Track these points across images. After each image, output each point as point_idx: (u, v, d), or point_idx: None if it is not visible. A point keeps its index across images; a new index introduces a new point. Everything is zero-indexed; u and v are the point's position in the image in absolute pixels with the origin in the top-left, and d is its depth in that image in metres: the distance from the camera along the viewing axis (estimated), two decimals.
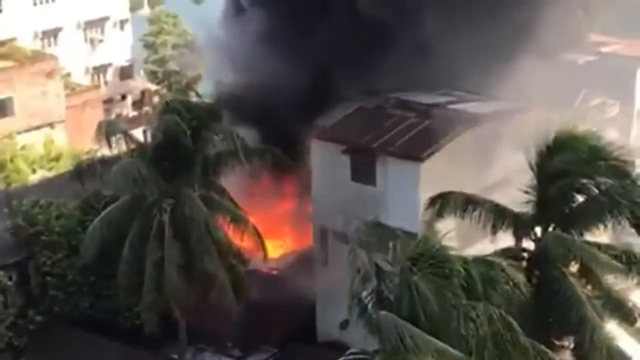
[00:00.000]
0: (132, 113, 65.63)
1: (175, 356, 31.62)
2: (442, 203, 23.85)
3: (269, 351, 34.23)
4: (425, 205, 23.98)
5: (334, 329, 33.64)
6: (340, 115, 33.77)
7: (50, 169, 48.49)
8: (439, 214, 23.75)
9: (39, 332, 34.52)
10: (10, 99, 51.35)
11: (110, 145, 29.09)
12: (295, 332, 34.36)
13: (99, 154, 37.35)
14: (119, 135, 29.19)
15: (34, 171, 48.35)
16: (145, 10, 79.91)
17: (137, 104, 67.76)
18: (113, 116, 60.80)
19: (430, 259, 18.48)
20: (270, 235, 35.09)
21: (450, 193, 24.12)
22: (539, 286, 21.83)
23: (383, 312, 17.78)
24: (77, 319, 34.88)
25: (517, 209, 23.34)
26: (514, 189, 23.36)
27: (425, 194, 30.45)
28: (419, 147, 31.10)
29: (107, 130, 29.22)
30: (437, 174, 30.09)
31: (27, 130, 50.44)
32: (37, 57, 54.07)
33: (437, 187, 25.89)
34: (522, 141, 23.59)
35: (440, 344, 17.35)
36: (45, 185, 41.27)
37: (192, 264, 27.82)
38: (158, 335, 29.33)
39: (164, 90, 66.45)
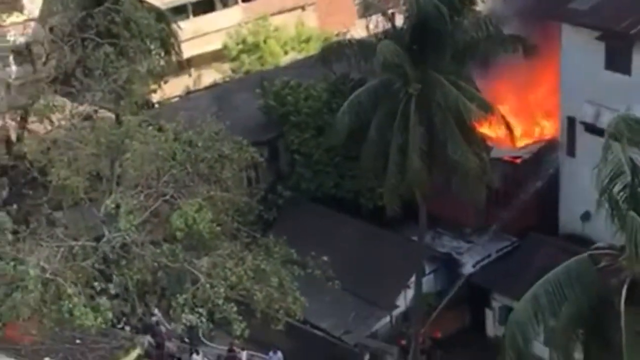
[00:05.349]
0: None
1: (415, 238, 32.19)
2: None
3: (509, 239, 34.09)
4: None
5: (576, 222, 32.94)
6: None
7: (300, 51, 49.77)
8: None
9: (286, 207, 36.23)
10: None
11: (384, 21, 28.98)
12: (537, 222, 33.93)
13: (347, 37, 37.90)
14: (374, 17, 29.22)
15: (285, 53, 49.82)
16: None
17: None
18: None
19: None
20: (517, 123, 34.48)
21: None
22: None
23: (631, 214, 17.04)
24: (322, 196, 36.27)
25: None
26: None
27: None
28: None
29: (367, 10, 29.32)
30: None
31: (280, 12, 51.76)
32: None
33: None
34: None
35: None
36: (295, 66, 42.56)
37: (436, 150, 27.88)
38: (399, 217, 29.91)
39: None
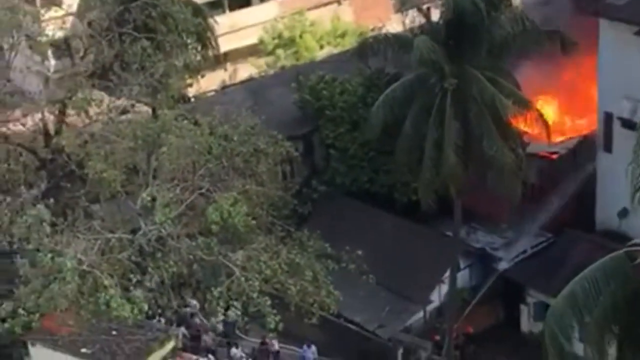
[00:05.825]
0: None
1: (449, 233, 32.12)
2: None
3: (543, 235, 33.88)
4: None
5: (613, 218, 32.65)
6: None
7: (336, 46, 49.76)
8: None
9: (321, 201, 36.30)
10: None
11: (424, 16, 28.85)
12: (573, 218, 33.68)
13: (383, 31, 37.82)
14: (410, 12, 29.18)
15: (321, 47, 49.85)
16: None
17: None
18: None
19: None
20: (553, 118, 34.23)
21: None
22: None
23: None
24: (356, 191, 36.28)
25: None
26: None
27: None
28: None
29: (403, 5, 29.30)
30: None
31: (316, 7, 51.76)
32: None
33: None
34: None
35: None
36: (331, 61, 42.59)
37: (471, 145, 27.80)
38: (433, 212, 29.85)
39: None
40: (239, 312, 24.38)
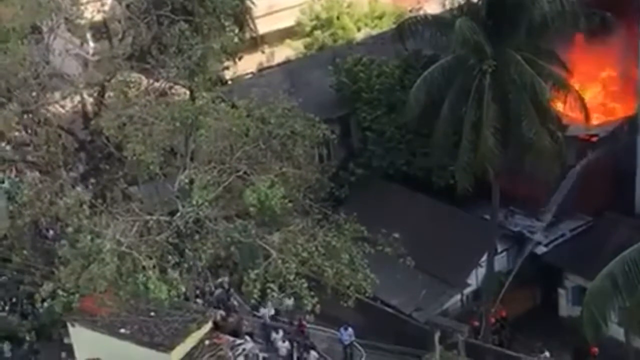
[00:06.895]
0: None
1: (487, 217, 31.92)
2: None
3: (583, 219, 33.58)
4: None
5: None
6: None
7: (373, 27, 49.50)
8: None
9: (357, 184, 36.23)
10: None
11: None
12: (613, 201, 33.31)
13: (421, 12, 37.56)
14: None
15: (358, 29, 49.64)
16: None
17: None
18: None
19: None
20: (593, 101, 33.85)
21: None
22: None
23: None
24: (393, 174, 36.17)
25: None
26: None
27: None
28: None
29: None
30: None
31: None
32: None
33: None
34: None
35: None
36: (368, 43, 42.39)
37: (510, 128, 27.56)
38: (470, 195, 29.68)
39: None
40: (274, 295, 24.35)
